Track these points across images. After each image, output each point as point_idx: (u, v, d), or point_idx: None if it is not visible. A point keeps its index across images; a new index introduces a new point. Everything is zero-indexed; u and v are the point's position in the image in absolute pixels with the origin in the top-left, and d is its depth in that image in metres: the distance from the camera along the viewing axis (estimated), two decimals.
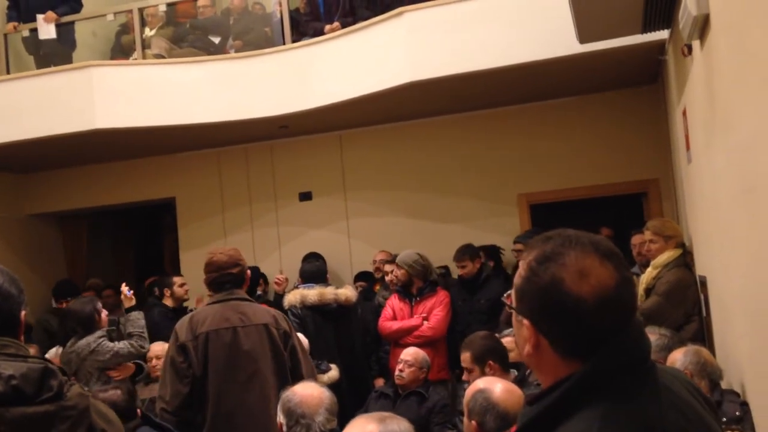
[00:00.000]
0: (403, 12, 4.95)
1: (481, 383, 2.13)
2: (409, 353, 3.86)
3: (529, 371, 3.01)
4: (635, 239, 4.57)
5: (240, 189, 6.72)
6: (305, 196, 6.59)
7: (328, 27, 5.74)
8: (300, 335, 3.77)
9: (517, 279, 1.12)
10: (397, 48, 5.01)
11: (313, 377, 3.12)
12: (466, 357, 3.03)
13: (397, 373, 3.83)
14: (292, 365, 3.00)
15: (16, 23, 6.48)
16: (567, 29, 4.18)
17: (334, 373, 4.13)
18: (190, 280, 6.60)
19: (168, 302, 5.28)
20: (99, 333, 3.98)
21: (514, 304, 1.13)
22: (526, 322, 1.07)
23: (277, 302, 5.04)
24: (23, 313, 1.42)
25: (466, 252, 4.89)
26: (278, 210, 6.64)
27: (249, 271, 3.21)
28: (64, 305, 5.48)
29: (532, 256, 1.10)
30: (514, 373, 3.04)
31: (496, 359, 2.99)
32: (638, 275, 4.22)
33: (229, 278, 3.01)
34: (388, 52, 5.10)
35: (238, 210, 6.72)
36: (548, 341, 1.06)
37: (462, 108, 6.03)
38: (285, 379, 2.93)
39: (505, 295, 3.62)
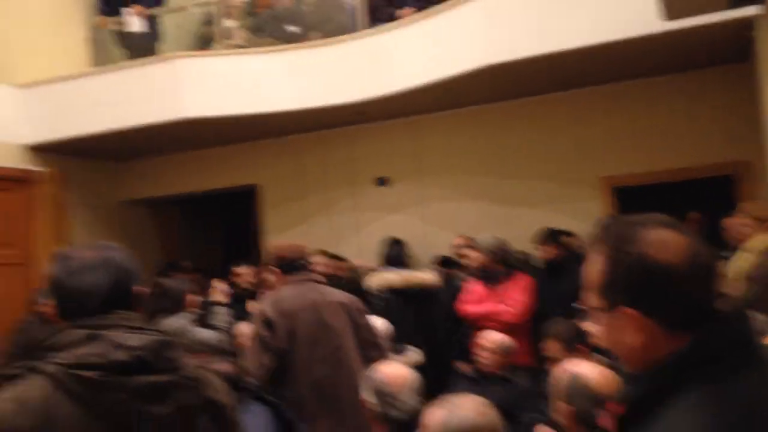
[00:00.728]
0: None
1: (572, 366, 2.12)
2: (488, 338, 3.85)
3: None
4: (728, 222, 4.40)
5: (318, 175, 6.85)
6: (382, 182, 6.65)
7: (402, 11, 5.75)
8: (377, 318, 3.85)
9: (596, 275, 1.10)
10: (474, 31, 4.96)
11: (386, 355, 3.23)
12: (552, 346, 3.00)
13: (477, 358, 3.85)
14: (372, 341, 3.13)
15: (106, 17, 6.80)
16: (649, 7, 4.03)
17: (414, 356, 4.12)
18: None
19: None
20: (189, 316, 4.11)
21: (600, 304, 1.10)
22: (629, 311, 1.05)
23: None
24: (139, 288, 1.51)
25: (545, 236, 4.83)
26: (356, 196, 6.73)
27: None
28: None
29: (604, 247, 1.10)
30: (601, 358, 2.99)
31: (583, 343, 2.96)
32: (728, 259, 4.08)
33: (296, 264, 3.22)
34: (465, 35, 5.05)
35: (317, 196, 6.86)
36: (654, 319, 1.05)
37: (540, 90, 5.93)
38: (366, 352, 3.05)
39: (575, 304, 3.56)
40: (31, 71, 6.18)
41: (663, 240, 1.06)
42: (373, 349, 3.12)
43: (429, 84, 5.33)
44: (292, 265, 3.21)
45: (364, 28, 5.88)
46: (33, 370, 1.32)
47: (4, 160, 5.93)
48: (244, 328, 4.26)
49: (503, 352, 3.76)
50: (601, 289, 1.10)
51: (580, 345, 2.92)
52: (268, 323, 3.04)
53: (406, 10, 5.70)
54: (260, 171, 7.04)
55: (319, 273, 5.04)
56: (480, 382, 3.75)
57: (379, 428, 2.38)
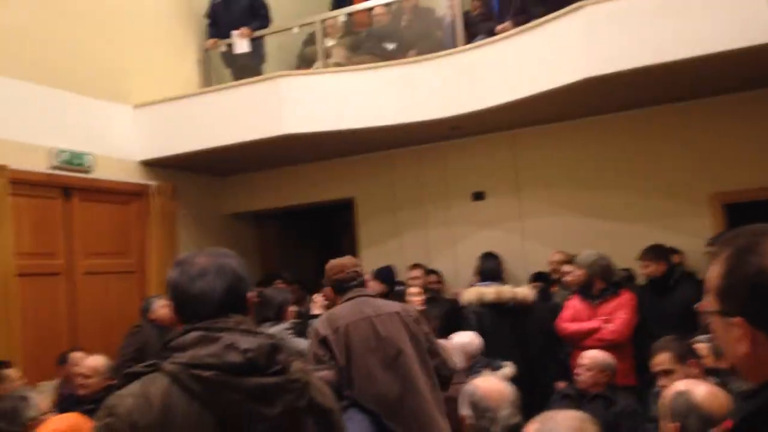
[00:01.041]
0: (583, 6, 4.81)
1: (681, 385, 2.04)
2: (587, 356, 3.75)
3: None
4: None
5: (413, 189, 6.90)
6: (478, 196, 6.61)
7: (499, 27, 5.74)
8: (468, 333, 3.82)
9: (714, 280, 1.10)
10: (574, 43, 4.86)
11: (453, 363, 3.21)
12: (664, 358, 2.87)
13: (577, 377, 3.76)
14: (429, 348, 3.09)
15: (215, 39, 7.17)
16: (761, 15, 3.84)
17: (507, 370, 4.04)
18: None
19: None
20: (287, 324, 4.21)
21: (715, 307, 1.10)
22: (737, 320, 1.05)
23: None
24: (250, 294, 1.58)
25: (651, 252, 4.63)
26: (451, 210, 6.73)
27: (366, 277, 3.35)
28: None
29: (727, 253, 1.09)
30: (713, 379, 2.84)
31: (698, 360, 2.83)
32: None
33: (350, 279, 3.19)
34: (564, 47, 4.97)
35: (412, 210, 6.90)
36: (765, 332, 1.03)
37: (643, 103, 5.73)
38: (425, 360, 3.02)
39: (696, 305, 3.40)
40: (146, 92, 6.59)
41: None
42: (433, 357, 3.07)
43: (525, 98, 5.27)
44: (344, 283, 3.20)
45: (461, 43, 5.90)
46: (156, 369, 1.41)
47: (121, 175, 6.35)
48: None
49: (603, 370, 3.66)
50: (718, 294, 1.10)
51: (692, 360, 2.79)
52: (323, 341, 3.03)
53: (503, 25, 5.67)
54: (356, 185, 7.17)
55: (416, 286, 5.09)
56: (579, 401, 3.65)
57: None
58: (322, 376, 2.83)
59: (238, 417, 1.37)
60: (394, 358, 2.98)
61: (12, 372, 4.21)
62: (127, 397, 1.37)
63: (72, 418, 2.20)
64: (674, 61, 4.51)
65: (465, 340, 3.92)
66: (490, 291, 4.48)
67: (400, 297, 4.98)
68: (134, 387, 1.39)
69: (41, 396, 3.23)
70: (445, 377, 3.17)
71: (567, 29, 4.94)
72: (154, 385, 1.38)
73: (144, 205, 6.53)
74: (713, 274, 1.11)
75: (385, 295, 4.64)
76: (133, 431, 1.33)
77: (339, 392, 2.87)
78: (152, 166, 6.63)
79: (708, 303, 1.13)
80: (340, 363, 2.99)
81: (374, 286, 5.37)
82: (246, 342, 1.42)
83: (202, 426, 1.36)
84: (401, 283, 5.61)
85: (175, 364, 1.39)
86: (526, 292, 4.57)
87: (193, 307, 1.48)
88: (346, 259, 3.27)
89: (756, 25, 4.07)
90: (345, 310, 3.12)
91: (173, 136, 6.43)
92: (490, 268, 4.79)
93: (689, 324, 3.94)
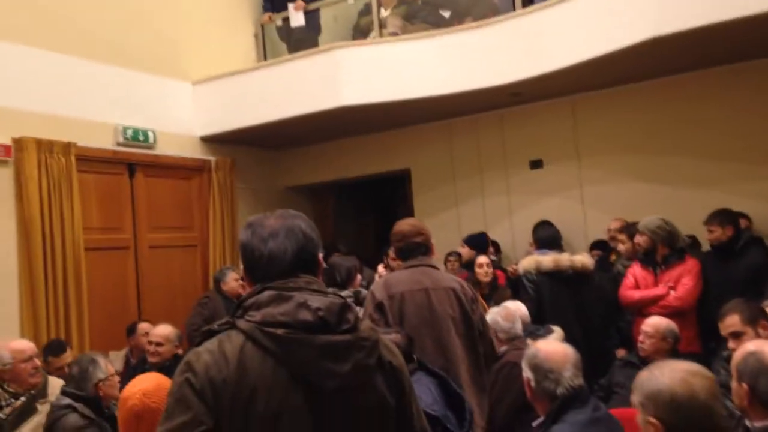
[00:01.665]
0: None
1: (752, 346, 1.99)
2: (650, 323, 3.66)
3: None
4: None
5: (471, 159, 6.85)
6: (536, 164, 6.52)
7: None
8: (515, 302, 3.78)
9: None
10: (641, 1, 4.70)
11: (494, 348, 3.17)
12: (734, 320, 2.80)
13: (639, 344, 3.69)
14: (480, 331, 3.04)
15: (270, 14, 7.23)
16: None
17: (555, 336, 3.86)
18: None
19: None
20: (348, 292, 4.26)
21: None
22: None
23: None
24: (320, 254, 1.61)
25: (717, 216, 4.46)
26: (509, 178, 6.66)
27: (432, 241, 3.21)
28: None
29: None
30: None
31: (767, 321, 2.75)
32: None
33: (414, 246, 3.10)
34: (628, 6, 4.79)
35: (469, 179, 6.86)
36: None
37: (712, 62, 5.50)
38: (473, 340, 2.97)
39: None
40: (203, 68, 6.71)
41: None
42: (480, 340, 3.02)
43: (586, 61, 5.13)
44: (408, 248, 3.13)
45: (519, 7, 5.77)
46: (232, 327, 1.46)
47: (182, 151, 6.52)
48: None
49: (665, 338, 3.58)
50: None
51: (763, 321, 2.72)
52: (378, 306, 3.01)
53: None
54: (413, 155, 7.17)
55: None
56: (640, 368, 3.59)
57: (541, 405, 2.37)
58: (391, 338, 2.87)
59: (311, 373, 1.41)
60: (442, 335, 2.94)
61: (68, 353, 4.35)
62: (204, 353, 1.42)
63: (155, 377, 2.30)
64: (747, 16, 4.28)
65: (510, 306, 3.87)
66: (547, 259, 4.40)
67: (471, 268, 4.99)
68: (211, 344, 1.44)
69: (109, 360, 3.39)
70: (489, 361, 3.13)
71: None
72: (230, 342, 1.42)
73: (205, 180, 6.70)
74: None
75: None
76: (211, 386, 1.38)
77: (407, 355, 2.91)
78: (211, 141, 6.78)
79: None
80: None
81: (464, 252, 5.37)
82: (317, 301, 1.45)
83: (276, 382, 1.40)
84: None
85: (250, 322, 1.43)
86: (584, 259, 4.46)
87: (265, 267, 1.52)
88: (408, 226, 3.18)
89: None
90: (403, 277, 3.08)
91: (231, 111, 6.55)
92: (547, 236, 4.68)
93: (756, 289, 3.82)
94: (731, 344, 2.81)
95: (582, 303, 4.42)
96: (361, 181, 7.94)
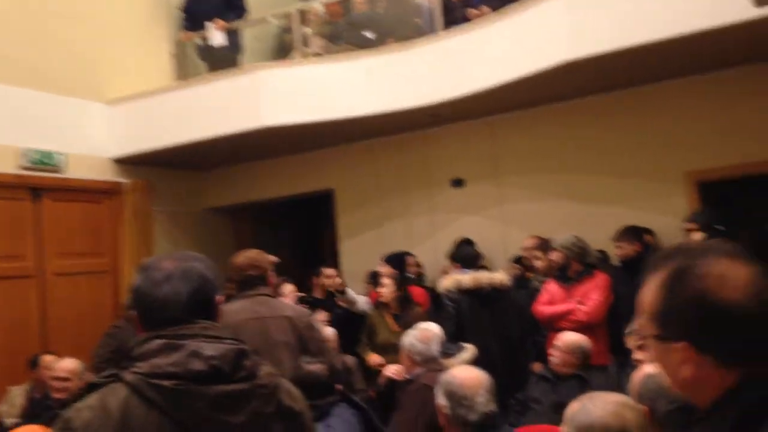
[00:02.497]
0: None
1: (650, 368, 2.05)
2: (560, 338, 3.79)
3: None
4: None
5: (394, 178, 6.89)
6: (457, 183, 6.62)
7: (474, 11, 5.72)
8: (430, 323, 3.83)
9: (651, 304, 1.08)
10: (556, 26, 4.83)
11: (341, 364, 3.34)
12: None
13: (549, 358, 3.81)
14: (317, 353, 3.18)
15: (189, 32, 7.08)
16: None
17: (466, 354, 3.92)
18: (348, 266, 6.96)
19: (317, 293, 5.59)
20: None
21: (654, 332, 1.07)
22: (680, 345, 1.03)
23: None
24: (218, 297, 1.54)
25: (625, 234, 4.66)
26: (432, 198, 6.73)
27: (270, 272, 3.38)
28: None
29: (663, 275, 1.07)
30: None
31: None
32: None
33: (249, 278, 3.26)
34: (542, 31, 4.95)
35: (392, 199, 6.90)
36: (710, 355, 1.01)
37: (620, 85, 5.73)
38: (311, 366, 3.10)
39: (628, 330, 3.48)
40: (119, 87, 6.51)
41: (725, 274, 1.01)
42: (318, 364, 3.15)
43: (507, 82, 5.25)
44: (244, 280, 3.27)
45: (440, 30, 5.87)
46: (116, 379, 1.38)
47: (93, 174, 6.27)
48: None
49: (573, 352, 3.68)
50: (655, 317, 1.08)
51: None
52: None
53: (481, 9, 5.66)
54: (336, 175, 7.15)
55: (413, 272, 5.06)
56: (554, 382, 3.68)
57: (454, 431, 2.37)
58: (314, 369, 2.85)
59: (200, 426, 1.35)
60: (279, 363, 3.00)
61: None
62: (84, 410, 1.33)
63: (34, 430, 2.16)
64: (653, 42, 4.49)
65: (426, 327, 3.90)
66: (467, 278, 4.49)
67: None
68: (92, 399, 1.36)
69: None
70: (337, 376, 3.25)
71: (549, 11, 4.91)
72: (113, 396, 1.34)
73: (117, 203, 6.46)
74: (648, 297, 1.08)
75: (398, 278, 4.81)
76: None
77: (330, 386, 2.89)
78: (126, 163, 6.56)
79: (645, 326, 1.10)
80: None
81: (384, 270, 5.37)
82: (211, 348, 1.39)
83: None
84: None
85: (135, 374, 1.36)
86: (502, 277, 4.60)
87: (158, 313, 1.45)
88: (245, 259, 3.31)
89: (732, 3, 4.08)
90: (240, 306, 3.19)
91: (148, 131, 6.37)
92: (466, 255, 4.79)
93: None
94: (635, 355, 2.91)
95: (500, 319, 4.54)
96: (285, 201, 7.86)
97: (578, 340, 3.71)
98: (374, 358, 4.50)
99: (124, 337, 4.84)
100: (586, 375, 3.64)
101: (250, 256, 3.37)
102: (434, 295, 5.43)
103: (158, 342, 1.39)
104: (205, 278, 1.50)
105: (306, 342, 3.14)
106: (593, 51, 4.68)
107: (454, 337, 4.07)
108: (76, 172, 6.08)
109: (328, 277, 5.69)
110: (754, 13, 4.00)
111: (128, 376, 1.36)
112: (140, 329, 1.49)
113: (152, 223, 6.70)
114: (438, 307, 4.67)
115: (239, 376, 1.40)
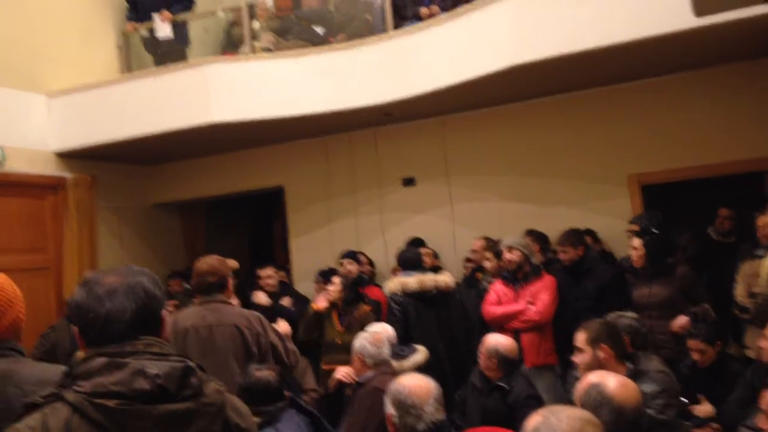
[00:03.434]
0: None
1: (594, 377, 2.11)
2: (485, 343, 3.70)
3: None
4: (760, 220, 4.32)
5: (345, 176, 6.88)
6: (408, 182, 6.65)
7: (424, 10, 5.74)
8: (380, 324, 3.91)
9: None
10: (502, 30, 4.91)
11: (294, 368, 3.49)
12: (580, 338, 2.97)
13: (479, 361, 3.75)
14: (263, 360, 3.26)
15: (135, 23, 6.90)
16: (681, 2, 3.97)
17: (418, 356, 3.99)
18: (298, 264, 6.92)
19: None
20: None
21: None
22: None
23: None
24: (164, 312, 1.52)
25: (568, 238, 4.76)
26: (382, 196, 6.74)
27: (230, 279, 3.45)
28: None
29: None
30: (628, 365, 2.95)
31: (610, 345, 2.92)
32: (761, 258, 4.02)
33: (208, 285, 3.35)
34: (493, 35, 5.00)
35: (343, 197, 6.88)
36: None
37: (568, 88, 5.87)
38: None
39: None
40: (62, 79, 6.29)
41: None
42: (276, 361, 3.28)
43: (456, 84, 5.30)
44: (202, 286, 3.38)
45: (391, 28, 5.87)
46: (57, 398, 1.34)
47: (34, 168, 6.05)
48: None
49: (491, 356, 3.63)
50: None
51: (605, 345, 2.90)
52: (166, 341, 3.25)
53: (431, 8, 5.68)
54: (287, 173, 7.09)
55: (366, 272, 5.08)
56: (480, 391, 3.66)
57: None
58: (263, 375, 2.84)
59: None
60: (221, 369, 3.11)
61: None
62: (24, 431, 1.30)
63: None
64: (596, 48, 4.61)
65: (377, 330, 3.93)
66: (412, 281, 4.51)
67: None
68: (32, 419, 1.32)
69: None
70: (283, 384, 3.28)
71: (495, 16, 4.98)
72: (55, 417, 1.31)
73: (60, 198, 6.25)
74: None
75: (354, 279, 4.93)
76: None
77: (280, 392, 2.89)
78: (69, 157, 6.35)
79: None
80: None
81: (352, 267, 5.37)
82: (155, 367, 1.36)
83: None
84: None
85: (78, 393, 1.32)
86: (447, 279, 4.65)
87: (101, 330, 1.41)
88: (205, 265, 3.39)
89: (675, 12, 4.21)
90: (191, 312, 3.34)
91: (92, 125, 6.17)
92: (411, 257, 4.81)
93: (603, 305, 4.09)
94: (574, 357, 3.00)
95: (446, 321, 4.59)
96: (235, 198, 7.76)
97: (497, 344, 3.64)
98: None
99: (59, 338, 4.71)
100: (506, 383, 3.56)
101: (210, 262, 3.42)
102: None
103: (101, 360, 1.36)
104: (151, 294, 1.47)
105: (249, 346, 3.22)
106: (538, 56, 4.77)
107: (401, 340, 4.11)
108: (16, 166, 5.85)
109: (267, 277, 5.62)
110: (695, 22, 4.14)
111: (70, 395, 1.33)
112: (82, 346, 1.45)
113: (97, 219, 6.51)
114: (379, 308, 4.72)
115: (185, 394, 1.38)
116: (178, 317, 3.33)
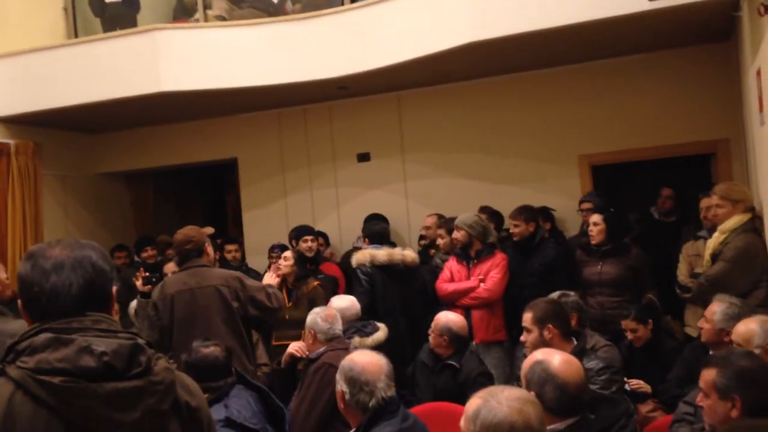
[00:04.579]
0: None
1: (539, 354, 2.16)
2: (436, 321, 3.72)
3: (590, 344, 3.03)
4: (703, 203, 4.46)
5: (299, 150, 6.80)
6: (363, 157, 6.62)
7: None
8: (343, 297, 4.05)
9: None
10: (462, 6, 4.89)
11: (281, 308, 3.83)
12: (527, 317, 3.03)
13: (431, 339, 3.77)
14: (246, 312, 3.65)
15: None
16: None
17: (380, 334, 3.98)
18: (251, 238, 6.86)
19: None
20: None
21: None
22: None
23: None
24: (114, 288, 1.47)
25: (522, 212, 4.81)
26: (337, 171, 6.70)
27: (208, 244, 3.86)
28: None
29: None
30: (574, 342, 3.03)
31: (556, 324, 2.99)
32: (705, 239, 4.15)
33: (186, 252, 3.75)
34: (449, 10, 4.99)
35: (297, 171, 6.81)
36: None
37: (523, 67, 5.90)
38: (236, 326, 3.62)
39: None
40: (4, 42, 6.03)
41: None
42: (258, 310, 3.67)
43: (411, 60, 5.27)
44: (182, 254, 3.78)
45: (348, 2, 5.79)
46: (0, 374, 1.30)
47: None
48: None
49: (442, 334, 3.63)
50: None
51: (551, 325, 2.97)
52: (154, 305, 3.66)
53: None
54: (240, 145, 6.97)
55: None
56: (431, 369, 3.70)
57: (353, 417, 2.41)
58: (209, 352, 2.83)
59: (91, 424, 1.29)
60: (207, 326, 3.50)
61: None
62: None
63: None
64: (551, 28, 4.64)
65: (345, 304, 3.95)
66: (381, 253, 4.59)
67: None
68: None
69: None
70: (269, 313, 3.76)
71: None
72: None
73: (2, 164, 6.02)
74: None
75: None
76: None
77: (228, 367, 2.88)
78: (12, 122, 6.10)
79: None
80: (164, 324, 3.63)
81: (312, 244, 5.36)
82: (103, 344, 1.32)
83: None
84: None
85: (21, 369, 1.28)
86: (412, 254, 4.75)
87: (46, 304, 1.36)
88: (181, 236, 3.77)
89: None
90: (176, 278, 3.74)
91: (37, 90, 5.93)
92: (378, 230, 4.88)
93: (549, 283, 4.17)
94: (523, 337, 3.07)
95: (408, 295, 4.65)
96: (187, 170, 7.60)
97: (448, 322, 3.64)
98: None
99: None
100: (456, 362, 3.57)
101: (185, 232, 3.80)
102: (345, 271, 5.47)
103: (45, 336, 1.31)
104: (99, 268, 1.42)
105: (229, 304, 3.59)
106: (498, 33, 4.78)
107: (366, 311, 4.17)
108: None
109: (229, 252, 5.61)
110: (648, 5, 4.21)
111: (13, 371, 1.29)
112: (27, 321, 1.40)
113: (41, 187, 6.29)
114: (350, 281, 4.75)
115: (133, 372, 1.34)
116: (164, 285, 3.71)
